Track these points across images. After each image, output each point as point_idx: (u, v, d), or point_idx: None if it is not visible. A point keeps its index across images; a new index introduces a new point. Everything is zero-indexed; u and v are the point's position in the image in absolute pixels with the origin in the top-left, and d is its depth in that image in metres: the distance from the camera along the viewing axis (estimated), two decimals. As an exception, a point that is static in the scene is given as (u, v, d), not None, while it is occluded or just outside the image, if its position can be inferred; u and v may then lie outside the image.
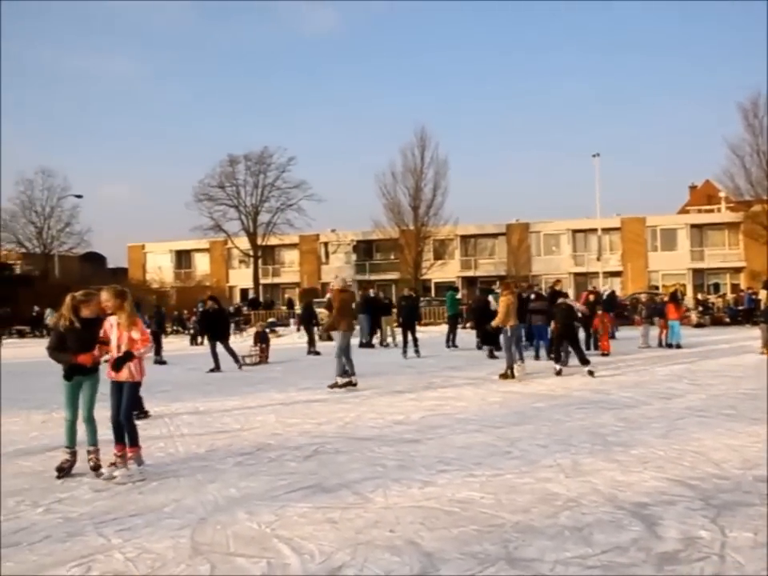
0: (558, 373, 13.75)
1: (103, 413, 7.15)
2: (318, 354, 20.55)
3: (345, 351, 12.93)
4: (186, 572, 4.37)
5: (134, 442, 6.98)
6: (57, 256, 54.22)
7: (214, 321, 17.63)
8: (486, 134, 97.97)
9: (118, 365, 6.77)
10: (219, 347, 17.16)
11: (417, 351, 18.96)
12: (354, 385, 12.78)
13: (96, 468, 6.90)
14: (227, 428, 9.27)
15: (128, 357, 6.79)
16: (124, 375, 6.82)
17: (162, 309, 24.40)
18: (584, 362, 13.74)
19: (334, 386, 12.73)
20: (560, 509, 5.36)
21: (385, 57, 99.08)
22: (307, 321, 22.57)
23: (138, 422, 7.47)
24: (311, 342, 21.60)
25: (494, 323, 14.31)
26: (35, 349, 17.91)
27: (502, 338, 14.50)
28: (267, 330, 21.76)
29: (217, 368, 16.72)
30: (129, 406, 6.93)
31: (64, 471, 6.90)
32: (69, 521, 5.52)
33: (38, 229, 58.15)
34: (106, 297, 6.89)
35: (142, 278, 58.71)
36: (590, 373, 13.38)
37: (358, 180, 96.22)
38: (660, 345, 19.80)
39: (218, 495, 6.04)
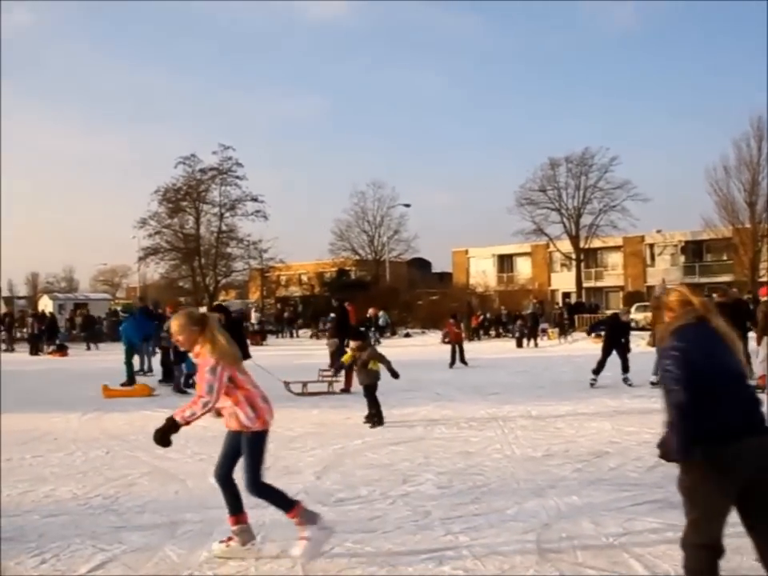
0: None
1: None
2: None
3: None
4: (535, 578, 4.32)
5: None
6: (387, 262, 57.69)
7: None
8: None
9: None
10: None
11: None
12: None
13: None
14: (562, 433, 9.15)
15: None
16: None
17: None
18: None
19: None
20: None
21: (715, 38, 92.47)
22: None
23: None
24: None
25: None
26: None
27: None
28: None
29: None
30: None
31: None
32: (416, 514, 5.72)
33: (370, 237, 62.52)
34: None
35: (466, 281, 60.50)
36: None
37: (685, 177, 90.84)
38: None
39: (559, 501, 5.94)
